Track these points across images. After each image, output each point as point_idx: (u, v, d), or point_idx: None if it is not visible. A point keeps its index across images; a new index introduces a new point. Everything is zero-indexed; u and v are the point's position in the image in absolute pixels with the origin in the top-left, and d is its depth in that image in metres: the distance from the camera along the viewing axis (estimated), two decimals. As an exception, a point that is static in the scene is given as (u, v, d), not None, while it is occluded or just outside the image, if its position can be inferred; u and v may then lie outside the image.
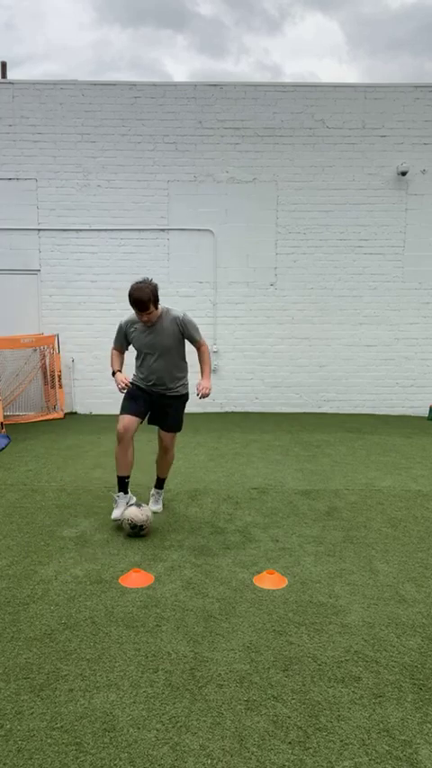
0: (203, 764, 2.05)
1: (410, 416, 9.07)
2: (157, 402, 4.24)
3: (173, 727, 2.23)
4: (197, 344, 4.29)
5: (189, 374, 4.42)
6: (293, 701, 2.38)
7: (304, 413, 9.13)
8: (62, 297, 8.98)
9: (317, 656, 2.68)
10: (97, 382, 9.10)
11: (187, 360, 4.37)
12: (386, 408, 9.24)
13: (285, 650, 2.72)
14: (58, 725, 2.23)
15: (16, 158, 8.74)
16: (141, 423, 4.24)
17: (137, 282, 4.02)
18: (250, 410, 9.23)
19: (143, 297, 3.93)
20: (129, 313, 4.23)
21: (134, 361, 4.34)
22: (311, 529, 4.22)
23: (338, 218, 8.91)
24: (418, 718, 2.29)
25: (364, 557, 3.77)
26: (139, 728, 2.21)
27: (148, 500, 4.59)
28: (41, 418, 8.46)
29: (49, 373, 8.73)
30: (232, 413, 9.09)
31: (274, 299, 9.02)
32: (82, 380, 9.12)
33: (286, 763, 2.06)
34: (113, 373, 4.25)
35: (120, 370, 4.26)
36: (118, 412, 4.30)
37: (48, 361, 8.71)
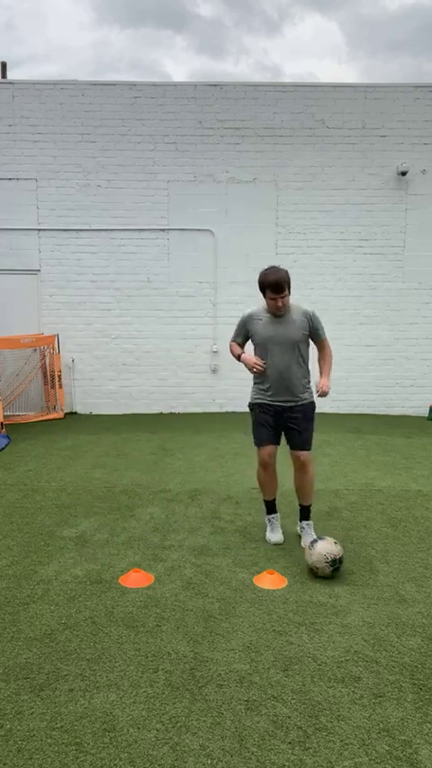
0: (203, 764, 2.05)
1: (410, 416, 9.07)
2: (284, 417, 3.88)
3: (173, 727, 2.23)
4: (321, 342, 3.99)
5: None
6: (293, 701, 2.38)
7: (304, 413, 9.13)
8: (62, 297, 8.98)
9: (317, 656, 2.68)
10: (97, 382, 9.10)
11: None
12: (386, 408, 9.24)
13: (285, 650, 2.72)
14: (58, 725, 2.23)
15: (16, 158, 8.73)
16: (278, 445, 3.97)
17: (268, 268, 3.79)
18: (250, 410, 9.22)
19: (280, 278, 3.68)
20: (250, 308, 4.04)
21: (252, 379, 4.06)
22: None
23: (338, 218, 8.91)
24: (418, 718, 2.29)
25: (364, 557, 3.77)
26: (139, 728, 2.21)
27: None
28: (41, 418, 8.46)
29: (49, 373, 8.73)
30: (232, 413, 9.08)
31: (274, 299, 9.01)
32: (82, 380, 9.12)
33: (286, 763, 2.06)
34: (238, 357, 3.99)
35: (244, 352, 4.00)
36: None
37: (48, 361, 8.71)
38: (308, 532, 3.96)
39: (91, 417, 8.83)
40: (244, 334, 4.05)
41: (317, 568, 3.42)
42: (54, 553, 3.78)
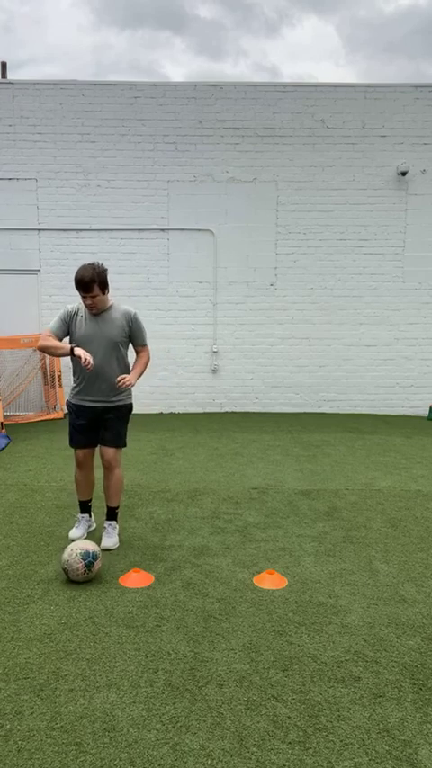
0: (203, 764, 2.05)
1: (410, 416, 9.07)
2: (98, 416, 3.84)
3: (173, 727, 2.23)
4: (140, 348, 3.92)
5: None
6: (293, 700, 2.38)
7: (304, 413, 9.13)
8: (62, 297, 8.96)
9: (317, 656, 2.68)
10: (97, 382, 9.09)
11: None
12: (386, 408, 9.24)
13: (285, 650, 2.72)
14: (58, 725, 2.23)
15: (16, 158, 8.74)
16: (95, 446, 3.94)
17: (83, 264, 3.67)
18: (250, 410, 9.23)
19: (86, 276, 3.56)
20: (73, 303, 3.88)
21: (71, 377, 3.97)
22: (311, 529, 4.22)
23: (338, 218, 8.91)
24: (418, 718, 2.29)
25: (364, 557, 3.77)
26: (139, 728, 2.21)
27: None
28: (41, 418, 8.46)
29: (48, 373, 8.73)
30: (232, 413, 9.09)
31: (274, 299, 9.02)
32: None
33: (286, 763, 2.06)
34: (71, 350, 3.64)
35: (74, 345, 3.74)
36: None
37: (48, 361, 8.71)
38: (110, 533, 3.91)
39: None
40: (62, 325, 3.78)
41: (68, 565, 3.30)
42: (54, 553, 3.77)
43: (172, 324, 9.02)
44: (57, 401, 8.70)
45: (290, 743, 2.15)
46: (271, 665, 2.61)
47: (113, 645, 2.76)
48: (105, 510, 3.99)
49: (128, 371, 3.85)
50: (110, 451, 3.86)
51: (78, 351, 3.60)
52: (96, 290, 3.62)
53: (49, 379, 8.73)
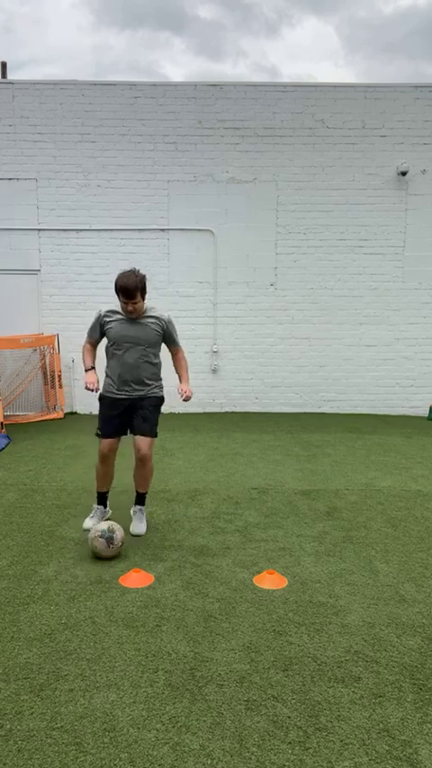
0: (203, 764, 2.05)
1: (410, 416, 9.07)
2: (130, 408, 4.04)
3: (173, 727, 2.23)
4: (175, 349, 4.18)
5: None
6: (293, 700, 2.38)
7: (304, 413, 9.13)
8: (62, 297, 8.98)
9: (317, 656, 2.68)
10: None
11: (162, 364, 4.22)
12: (386, 408, 9.24)
13: (285, 650, 2.72)
14: (58, 725, 2.23)
15: (16, 158, 8.73)
16: (120, 439, 4.13)
17: (124, 271, 3.86)
18: (250, 410, 9.23)
19: (130, 284, 3.75)
20: (110, 304, 4.07)
21: (105, 366, 4.13)
22: (311, 529, 4.22)
23: (338, 218, 8.91)
24: (418, 718, 2.29)
25: (364, 557, 3.77)
26: (139, 728, 2.21)
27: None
28: (41, 418, 8.46)
29: (49, 373, 8.73)
30: (232, 413, 9.09)
31: (274, 299, 9.02)
32: (82, 381, 9.10)
33: (286, 763, 2.06)
34: (87, 370, 4.06)
35: (94, 367, 4.09)
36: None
37: (48, 361, 8.71)
38: (140, 518, 4.19)
39: (91, 417, 8.82)
40: (99, 332, 4.08)
41: (94, 548, 3.63)
42: (54, 553, 3.78)
43: (172, 324, 9.02)
44: (57, 401, 8.70)
45: (290, 743, 2.15)
46: (271, 665, 2.62)
47: (113, 645, 2.76)
48: (135, 495, 4.26)
49: (159, 370, 4.14)
50: (144, 442, 4.03)
51: (85, 377, 4.00)
52: (138, 297, 3.81)
53: (49, 379, 8.72)
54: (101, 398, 4.13)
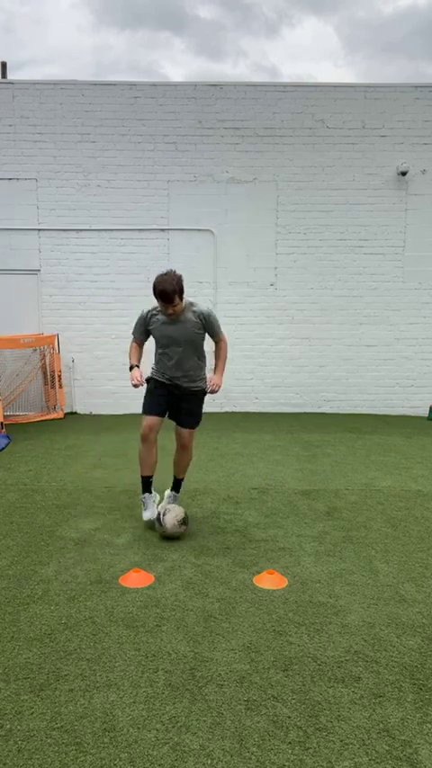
0: (203, 764, 2.05)
1: (410, 416, 9.07)
2: (176, 397, 4.19)
3: (173, 727, 2.23)
4: (216, 339, 4.23)
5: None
6: (293, 700, 2.38)
7: (304, 413, 9.13)
8: (62, 297, 8.98)
9: (317, 656, 2.68)
10: (97, 382, 9.10)
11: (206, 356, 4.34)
12: (386, 408, 9.24)
13: (285, 650, 2.72)
14: (58, 725, 2.23)
15: (16, 158, 8.74)
16: (163, 420, 4.22)
17: (161, 274, 3.88)
18: (250, 410, 9.23)
19: (168, 288, 3.78)
20: (151, 303, 4.15)
21: (153, 355, 4.28)
22: (311, 529, 4.22)
23: (338, 218, 8.91)
24: (418, 718, 2.29)
25: (364, 557, 3.77)
26: (139, 728, 2.21)
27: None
28: (41, 418, 8.46)
29: (49, 373, 8.74)
30: (232, 413, 9.09)
31: (274, 299, 9.02)
32: (82, 380, 9.12)
33: (286, 763, 2.06)
34: (131, 367, 4.18)
35: (138, 366, 4.19)
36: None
37: (48, 361, 8.71)
38: (171, 502, 4.35)
39: (91, 417, 8.83)
40: (143, 331, 4.22)
41: (174, 533, 3.96)
42: (54, 553, 3.78)
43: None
44: (57, 401, 8.70)
45: (290, 743, 2.15)
46: (271, 665, 2.61)
47: (113, 645, 2.76)
48: (173, 480, 4.49)
49: (204, 363, 4.25)
50: (186, 432, 4.27)
51: (131, 373, 4.12)
52: (177, 299, 3.86)
53: (49, 379, 8.73)
54: (148, 379, 4.25)
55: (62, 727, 2.22)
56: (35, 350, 8.74)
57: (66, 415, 8.76)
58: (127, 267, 8.90)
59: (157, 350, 4.20)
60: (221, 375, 4.19)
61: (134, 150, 8.77)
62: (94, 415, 8.97)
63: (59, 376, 8.67)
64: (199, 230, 8.90)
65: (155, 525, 4.04)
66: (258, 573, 3.48)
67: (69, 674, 2.53)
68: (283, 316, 9.05)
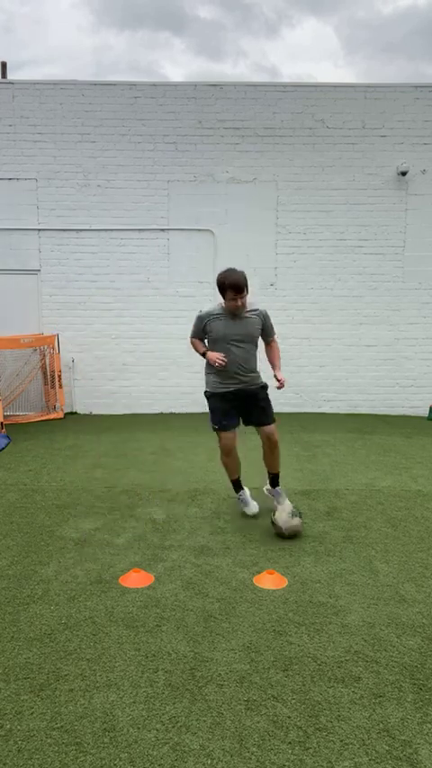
0: (203, 764, 2.05)
1: (410, 416, 9.07)
2: (243, 400, 4.26)
3: (173, 727, 2.23)
4: (270, 339, 4.38)
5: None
6: (293, 700, 2.38)
7: (304, 413, 9.13)
8: (62, 297, 8.97)
9: (317, 656, 2.68)
10: (97, 382, 9.10)
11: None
12: (386, 408, 9.24)
13: (285, 650, 2.72)
14: (58, 725, 2.23)
15: (16, 158, 8.73)
16: (237, 430, 4.33)
17: (225, 270, 4.07)
18: (250, 410, 9.22)
19: (239, 280, 3.96)
20: (208, 306, 4.28)
21: (204, 368, 4.38)
22: (311, 529, 4.22)
23: (338, 218, 8.91)
24: (418, 718, 2.29)
25: (364, 557, 3.77)
26: (139, 728, 2.21)
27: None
28: (41, 418, 8.46)
29: (49, 373, 8.74)
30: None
31: (274, 298, 9.02)
32: (82, 380, 9.12)
33: (286, 763, 2.06)
34: (203, 354, 4.27)
35: (208, 349, 4.26)
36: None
37: (48, 361, 8.71)
38: (277, 498, 4.39)
39: (91, 417, 8.83)
40: (203, 330, 4.28)
41: (292, 528, 3.98)
42: (54, 553, 3.78)
43: (172, 324, 9.02)
44: (57, 401, 8.70)
45: (290, 743, 2.15)
46: (271, 665, 2.62)
47: (113, 645, 2.76)
48: (269, 478, 4.51)
49: (256, 360, 4.31)
50: (270, 428, 4.30)
51: (209, 355, 4.17)
52: (245, 291, 4.01)
53: (49, 379, 8.73)
54: (210, 396, 4.33)
55: (62, 727, 2.22)
56: (35, 350, 8.74)
57: (66, 415, 8.76)
58: (127, 267, 8.90)
59: (214, 350, 4.21)
60: (281, 370, 4.35)
61: (134, 150, 8.77)
62: (94, 415, 8.97)
63: (59, 376, 8.67)
64: (199, 230, 8.90)
65: (274, 530, 4.05)
66: (258, 573, 3.48)
67: (69, 674, 2.53)
68: (283, 316, 9.04)
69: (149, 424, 8.09)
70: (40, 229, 8.85)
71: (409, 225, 8.93)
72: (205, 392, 4.37)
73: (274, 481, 4.51)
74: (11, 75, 11.45)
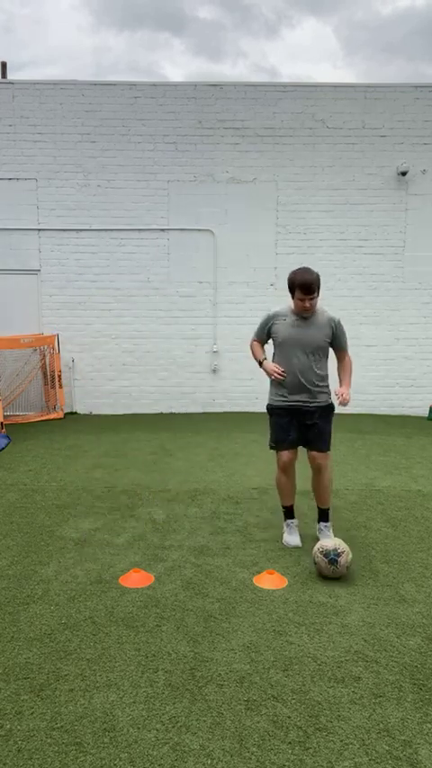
0: (203, 764, 2.05)
1: (410, 416, 9.07)
2: (301, 418, 3.87)
3: (173, 727, 2.23)
4: (342, 353, 3.98)
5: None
6: (293, 701, 2.38)
7: (304, 413, 9.12)
8: (62, 297, 8.98)
9: (317, 656, 2.68)
10: (97, 382, 9.10)
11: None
12: (386, 408, 9.23)
13: (285, 650, 2.72)
14: (58, 725, 2.23)
15: (16, 158, 8.73)
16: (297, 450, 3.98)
17: (298, 269, 3.75)
18: (250, 410, 9.22)
19: (309, 279, 3.64)
20: (277, 306, 3.99)
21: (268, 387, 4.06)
22: (312, 529, 4.22)
23: (338, 218, 8.91)
24: (418, 718, 2.29)
25: (364, 557, 3.77)
26: (139, 728, 2.21)
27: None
28: (41, 418, 8.46)
29: (49, 373, 8.73)
30: (232, 413, 9.08)
31: (274, 298, 9.00)
32: (82, 380, 9.12)
33: (286, 763, 2.06)
34: (260, 363, 3.99)
35: (266, 359, 3.98)
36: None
37: (48, 361, 8.71)
38: (325, 534, 3.95)
39: (91, 417, 8.83)
40: (266, 332, 3.99)
41: (315, 563, 3.48)
42: (54, 553, 3.78)
43: (172, 324, 9.03)
44: (57, 401, 8.70)
45: (290, 743, 2.15)
46: (271, 665, 2.62)
47: (113, 645, 2.76)
48: (317, 512, 4.08)
49: (327, 373, 3.92)
50: (320, 456, 3.90)
51: (266, 365, 3.91)
52: (317, 292, 3.70)
53: (49, 379, 8.73)
54: (271, 410, 4.00)
55: (62, 727, 2.22)
56: (35, 350, 8.74)
57: (66, 415, 8.76)
58: (127, 267, 8.90)
59: (276, 359, 3.94)
60: (349, 388, 3.90)
61: (134, 150, 8.77)
62: (94, 415, 8.97)
63: (59, 376, 8.67)
64: (199, 230, 8.90)
65: (328, 570, 3.44)
66: (258, 573, 3.48)
67: (69, 674, 2.53)
68: (283, 316, 9.04)
69: (149, 424, 8.09)
70: (40, 229, 8.85)
71: (409, 225, 8.93)
72: (267, 406, 4.03)
73: (322, 516, 4.05)
74: (11, 76, 11.45)
